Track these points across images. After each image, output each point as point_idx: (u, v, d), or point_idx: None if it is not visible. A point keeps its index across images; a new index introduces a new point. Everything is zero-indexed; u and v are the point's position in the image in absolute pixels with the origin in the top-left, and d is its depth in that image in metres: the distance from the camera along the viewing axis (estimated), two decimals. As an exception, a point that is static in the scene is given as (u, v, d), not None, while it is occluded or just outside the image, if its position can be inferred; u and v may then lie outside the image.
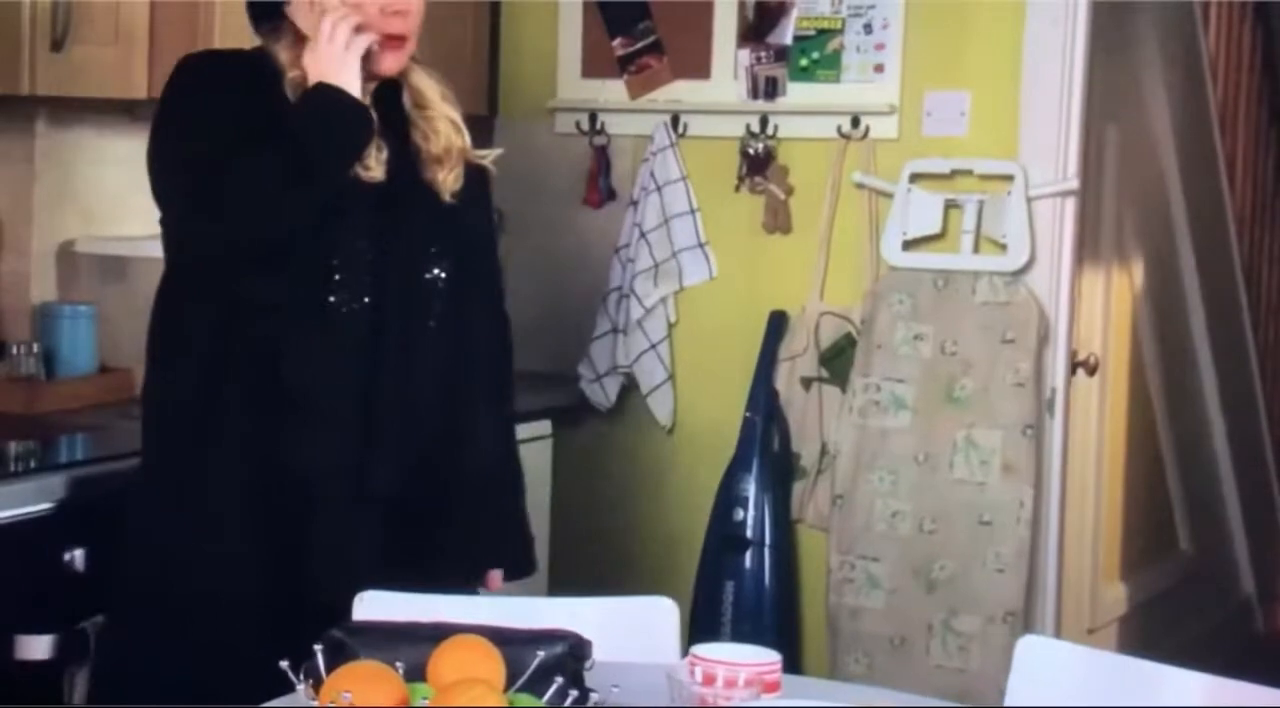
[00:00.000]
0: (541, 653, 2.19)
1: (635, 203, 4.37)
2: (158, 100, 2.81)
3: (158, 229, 2.77)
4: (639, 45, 4.43)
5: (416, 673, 2.09)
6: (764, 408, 4.27)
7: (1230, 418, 5.93)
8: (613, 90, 4.46)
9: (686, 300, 4.40)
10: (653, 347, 4.36)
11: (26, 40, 3.26)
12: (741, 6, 4.33)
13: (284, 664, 2.10)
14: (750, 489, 4.24)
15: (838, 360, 4.27)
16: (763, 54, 4.33)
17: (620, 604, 2.65)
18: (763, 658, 2.22)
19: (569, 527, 4.37)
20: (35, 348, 3.59)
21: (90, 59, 3.37)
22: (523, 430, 4.05)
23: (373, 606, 2.53)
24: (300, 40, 2.75)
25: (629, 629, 2.55)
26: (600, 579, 4.40)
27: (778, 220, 4.33)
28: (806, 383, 4.29)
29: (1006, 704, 2.38)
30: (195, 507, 2.76)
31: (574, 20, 4.49)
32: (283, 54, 2.78)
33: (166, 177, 2.73)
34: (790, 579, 4.30)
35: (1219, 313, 5.77)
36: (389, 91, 2.81)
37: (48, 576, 3.02)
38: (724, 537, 4.26)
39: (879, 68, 4.25)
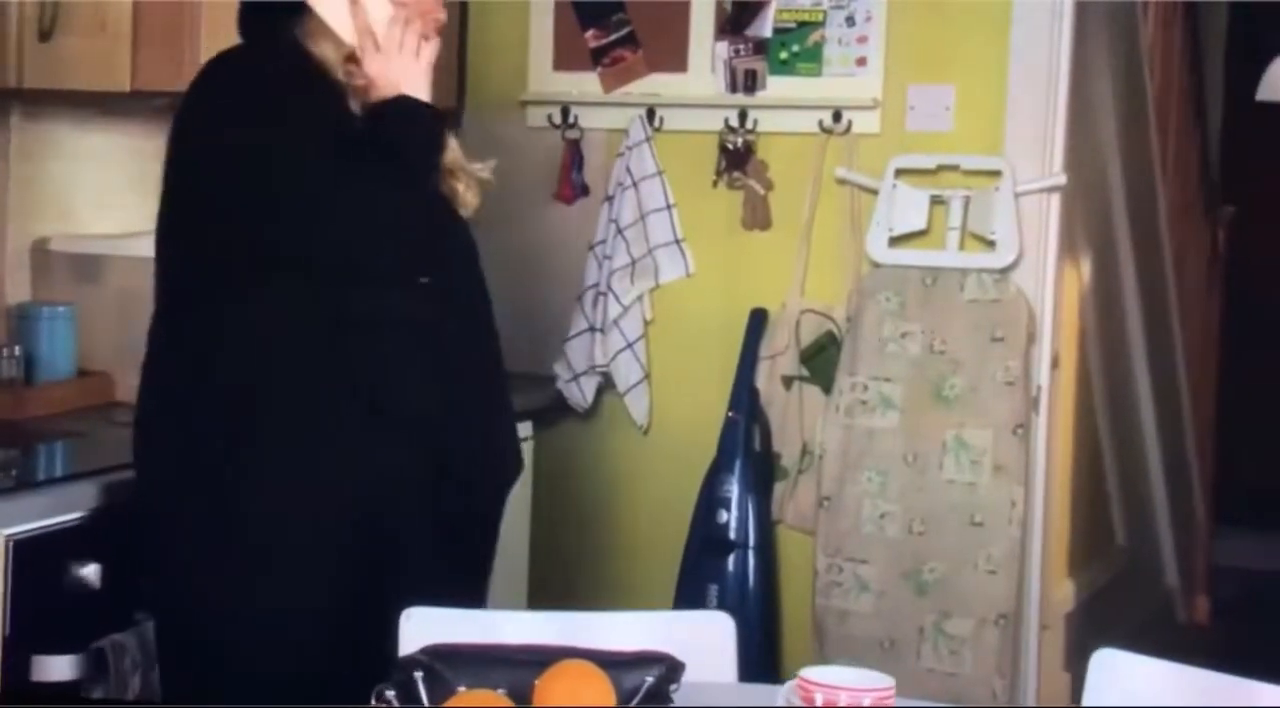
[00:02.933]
0: (650, 678, 2.11)
1: (611, 198, 4.26)
2: (204, 121, 2.67)
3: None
4: (612, 38, 4.33)
5: (519, 699, 2.00)
6: (747, 407, 4.18)
7: (1159, 412, 5.96)
8: (586, 83, 4.36)
9: (663, 298, 4.30)
10: (629, 345, 4.26)
11: (14, 31, 3.08)
12: (719, -2, 4.26)
13: (388, 694, 2.01)
14: (734, 490, 4.16)
15: (818, 359, 4.20)
16: (741, 47, 4.25)
17: (675, 619, 2.57)
18: (876, 683, 2.12)
19: (549, 529, 4.27)
20: (16, 350, 3.40)
21: (76, 51, 3.20)
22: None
23: (421, 623, 2.41)
24: (335, 38, 2.68)
25: (684, 646, 2.45)
26: (581, 583, 4.32)
27: (757, 216, 4.25)
28: (787, 382, 4.22)
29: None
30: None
31: (545, 12, 4.38)
32: (328, 52, 2.70)
33: (284, 210, 2.62)
34: (774, 582, 4.22)
35: (1152, 308, 5.79)
36: None
37: (64, 592, 2.85)
38: (706, 539, 4.17)
39: (861, 61, 4.19)
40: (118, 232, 3.62)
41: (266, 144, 2.59)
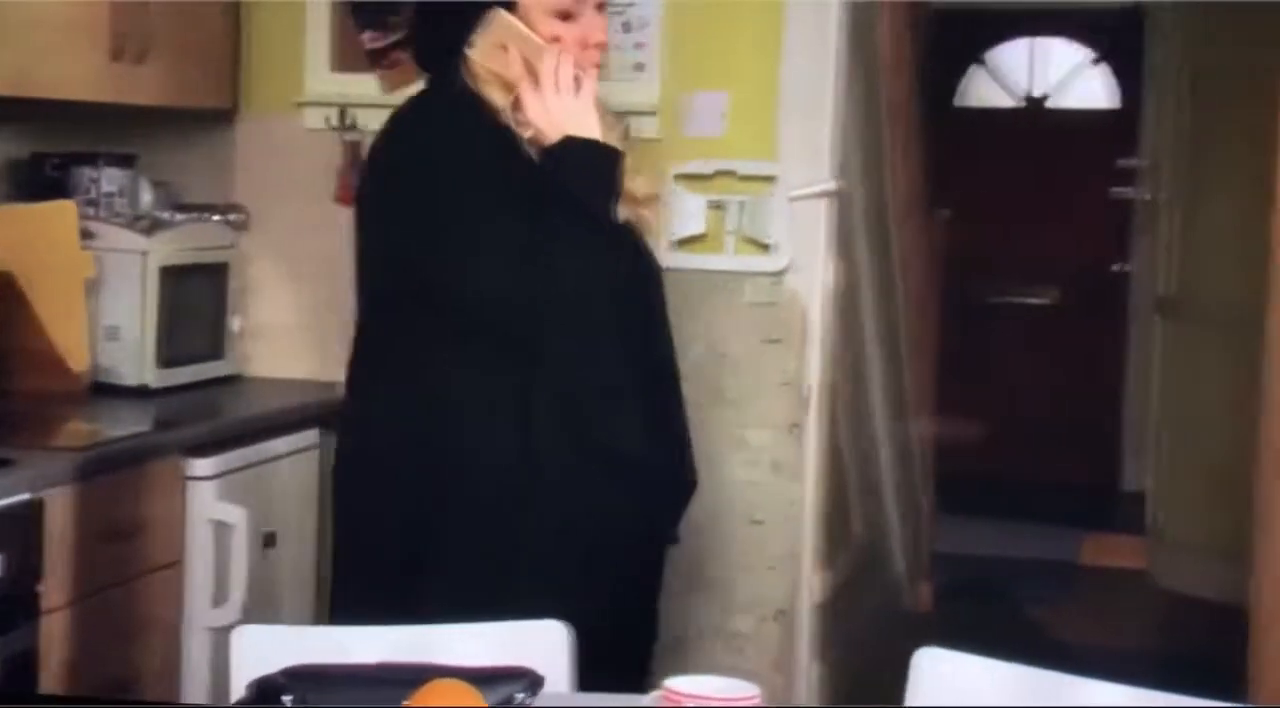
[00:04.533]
0: (517, 693, 2.13)
1: (391, 201, 4.22)
2: (390, 179, 2.68)
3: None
4: (390, 39, 4.29)
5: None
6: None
7: (889, 406, 6.15)
8: (365, 85, 4.30)
9: (445, 302, 4.28)
10: (412, 350, 4.22)
11: None
12: (496, 2, 4.25)
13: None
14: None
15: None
16: (519, 50, 4.25)
17: (512, 629, 2.55)
18: (740, 692, 2.11)
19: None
20: None
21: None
22: (289, 441, 3.93)
23: (254, 641, 2.34)
24: (503, 81, 2.60)
25: (518, 656, 2.45)
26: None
27: (537, 220, 4.26)
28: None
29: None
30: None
31: (321, 12, 4.32)
32: (495, 96, 2.65)
33: (453, 270, 2.60)
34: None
35: (883, 305, 5.98)
36: None
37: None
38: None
39: (639, 67, 4.23)
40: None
41: (441, 213, 2.59)
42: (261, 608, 3.70)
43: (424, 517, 2.67)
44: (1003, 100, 8.81)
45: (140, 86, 3.91)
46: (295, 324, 4.33)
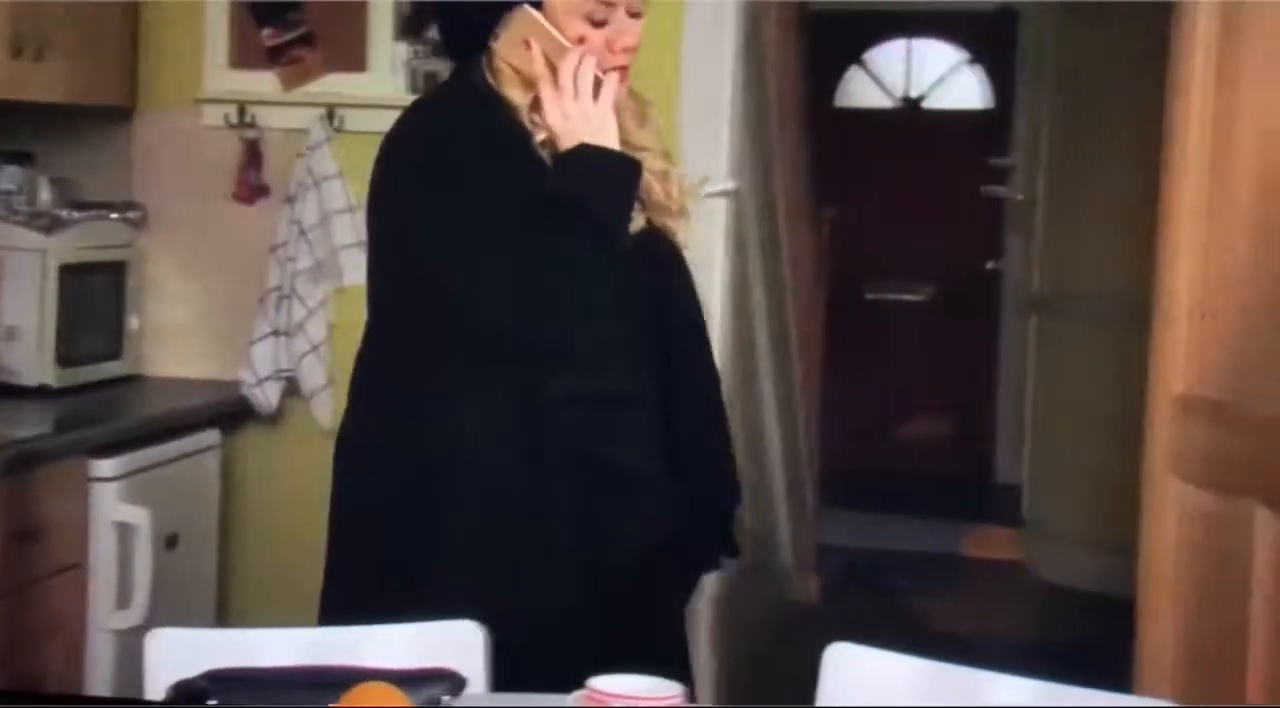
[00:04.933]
0: (442, 694, 2.14)
1: (292, 199, 4.21)
2: (395, 178, 2.53)
3: None
4: (290, 36, 4.27)
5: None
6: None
7: (779, 402, 6.20)
8: (264, 82, 4.28)
9: (347, 301, 4.26)
10: (314, 349, 4.21)
11: None
12: (397, -1, 4.25)
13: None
14: (423, 493, 4.15)
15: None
16: (421, 48, 4.25)
17: (424, 629, 2.54)
18: (664, 690, 2.11)
19: (237, 539, 4.19)
20: None
21: None
22: (191, 442, 3.91)
23: (168, 644, 2.29)
24: (524, 78, 2.50)
25: (433, 657, 2.45)
26: (272, 593, 4.25)
27: (439, 218, 4.26)
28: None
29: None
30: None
31: (220, 9, 4.29)
32: (514, 94, 2.52)
33: (451, 276, 2.48)
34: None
35: (773, 303, 6.03)
36: None
37: None
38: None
39: (540, 66, 4.24)
40: None
41: (442, 216, 2.47)
42: (164, 609, 3.67)
43: (418, 523, 2.59)
44: (881, 101, 8.90)
45: (38, 84, 3.87)
46: (193, 324, 4.31)
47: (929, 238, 8.51)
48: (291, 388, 4.25)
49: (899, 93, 8.90)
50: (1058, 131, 7.13)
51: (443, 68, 4.19)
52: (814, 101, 7.66)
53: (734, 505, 2.78)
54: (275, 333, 4.19)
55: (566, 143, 2.46)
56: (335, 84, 4.28)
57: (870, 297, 8.59)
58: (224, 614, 4.16)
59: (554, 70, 2.48)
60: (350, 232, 4.23)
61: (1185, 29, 3.05)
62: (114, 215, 4.21)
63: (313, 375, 4.22)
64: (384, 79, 4.26)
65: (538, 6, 2.50)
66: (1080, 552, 6.45)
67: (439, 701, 2.14)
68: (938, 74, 8.86)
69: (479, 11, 2.55)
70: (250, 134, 4.28)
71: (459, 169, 2.47)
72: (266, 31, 4.27)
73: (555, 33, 2.47)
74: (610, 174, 2.47)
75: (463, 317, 2.51)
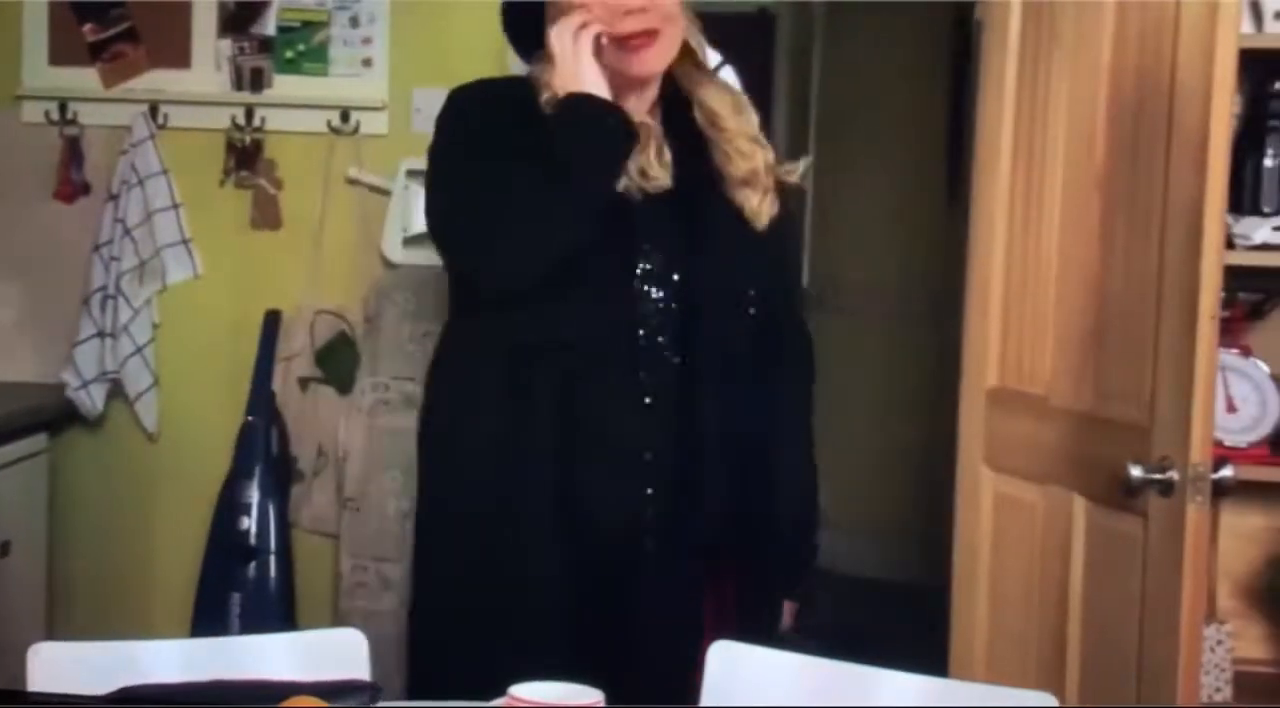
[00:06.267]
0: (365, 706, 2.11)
1: (115, 197, 4.11)
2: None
3: None
4: (111, 32, 4.18)
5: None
6: (265, 411, 4.13)
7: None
8: (85, 78, 4.18)
9: (171, 301, 4.19)
10: (139, 350, 4.13)
11: None
12: (221, -7, 4.17)
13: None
14: (254, 496, 4.09)
15: (332, 360, 4.19)
16: (246, 44, 4.18)
17: (309, 639, 2.51)
18: (583, 698, 2.06)
19: (64, 544, 4.10)
20: None
21: None
22: (18, 447, 3.83)
23: (50, 659, 2.23)
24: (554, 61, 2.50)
25: (321, 664, 2.42)
26: (100, 598, 4.18)
27: (266, 216, 4.20)
28: (303, 383, 4.19)
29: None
30: (502, 549, 2.51)
31: (39, 4, 4.17)
32: (542, 76, 2.51)
33: (444, 221, 2.49)
34: (294, 587, 4.19)
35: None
36: (679, 110, 2.58)
37: None
38: (227, 547, 4.09)
39: (367, 62, 4.20)
40: None
41: (438, 177, 2.52)
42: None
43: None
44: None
45: None
46: (15, 325, 4.20)
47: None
48: (116, 390, 4.16)
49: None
50: (816, 130, 7.14)
51: (268, 64, 4.17)
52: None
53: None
54: (100, 334, 4.10)
55: (559, 92, 2.48)
56: (158, 80, 4.18)
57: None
58: (52, 621, 4.07)
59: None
60: (174, 230, 4.16)
61: (996, 28, 3.09)
62: (-70, 215, 4.10)
63: (138, 378, 4.14)
64: (208, 75, 4.18)
65: None
66: (870, 543, 6.48)
67: (365, 711, 2.10)
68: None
69: (524, 11, 2.59)
70: (71, 131, 4.18)
71: (465, 126, 2.53)
72: (87, 27, 4.17)
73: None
74: (588, 115, 2.44)
75: (444, 254, 2.55)
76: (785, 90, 7.48)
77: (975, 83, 4.27)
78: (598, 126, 2.45)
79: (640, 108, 2.55)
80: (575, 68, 2.45)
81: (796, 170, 2.66)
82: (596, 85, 2.45)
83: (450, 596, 2.61)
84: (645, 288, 2.51)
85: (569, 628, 2.50)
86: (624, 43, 2.49)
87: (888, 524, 6.32)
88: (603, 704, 2.06)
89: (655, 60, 2.53)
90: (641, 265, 2.50)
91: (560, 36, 2.47)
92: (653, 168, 2.52)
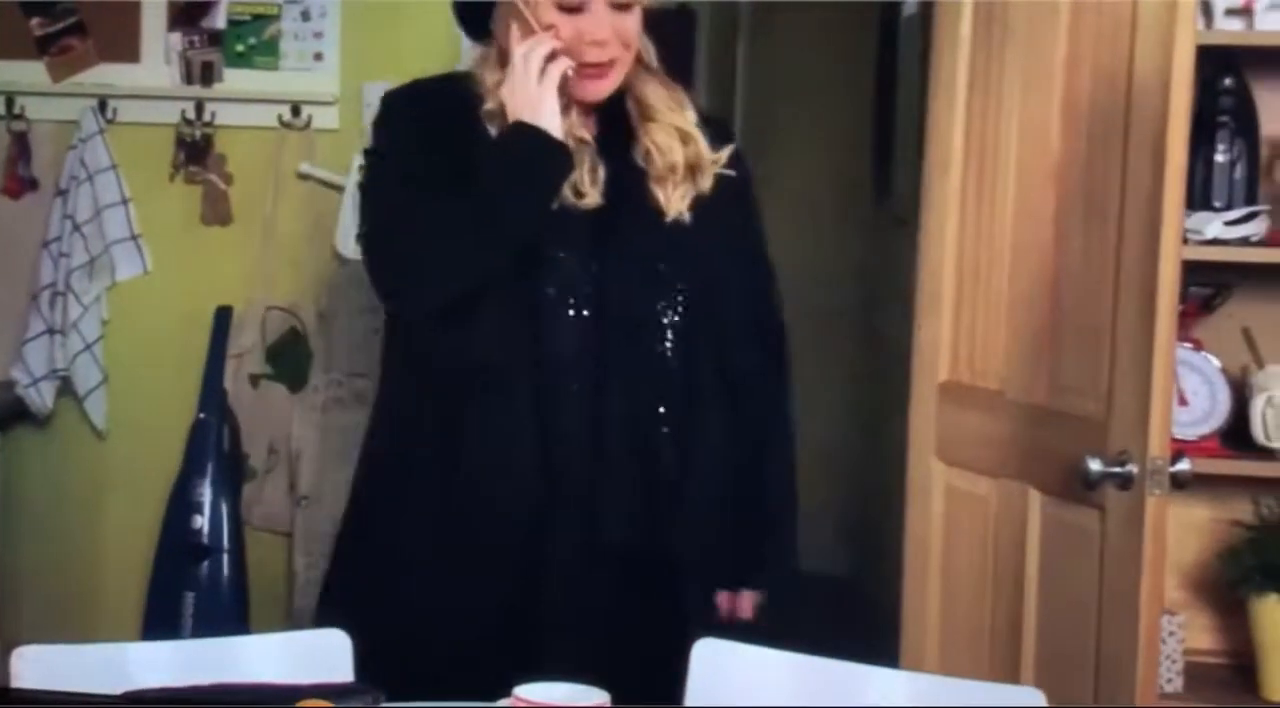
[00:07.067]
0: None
1: (64, 192, 4.09)
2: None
3: None
4: (59, 25, 4.14)
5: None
6: (217, 408, 4.10)
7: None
8: (32, 72, 4.14)
9: (120, 297, 4.17)
10: (88, 347, 4.10)
11: None
12: (171, -13, 4.15)
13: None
14: (206, 494, 4.06)
15: (284, 357, 4.18)
16: (196, 38, 4.16)
17: (291, 640, 2.49)
18: (590, 698, 2.06)
19: (12, 544, 4.06)
20: None
21: None
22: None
23: (36, 662, 2.15)
24: (504, 62, 2.48)
25: (307, 665, 2.40)
26: (48, 598, 4.15)
27: (217, 211, 4.18)
28: (254, 380, 4.17)
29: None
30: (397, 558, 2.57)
31: (-15, -4, 4.14)
32: (488, 76, 2.50)
33: (365, 245, 2.50)
34: (247, 586, 4.16)
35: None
36: (612, 105, 2.55)
37: None
38: (179, 546, 4.06)
39: (319, 56, 4.18)
40: None
41: (367, 187, 2.53)
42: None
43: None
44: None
45: None
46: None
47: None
48: (66, 387, 4.13)
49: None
50: (744, 128, 7.13)
51: (218, 58, 4.15)
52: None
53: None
54: (50, 331, 4.07)
55: (510, 118, 2.46)
56: (107, 74, 4.15)
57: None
58: (0, 620, 4.04)
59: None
60: (124, 225, 4.13)
61: (947, 26, 3.10)
62: (-125, 211, 4.05)
63: (87, 375, 4.11)
64: (157, 69, 4.16)
65: None
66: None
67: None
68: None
69: None
70: (18, 126, 4.15)
71: (395, 132, 2.52)
72: (35, 20, 4.14)
73: (529, 17, 2.48)
74: (536, 155, 2.43)
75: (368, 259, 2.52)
76: (708, 87, 7.49)
77: (900, 80, 4.27)
78: (542, 165, 2.44)
79: (581, 119, 2.54)
80: (536, 98, 2.43)
81: (721, 157, 2.62)
82: (551, 120, 2.44)
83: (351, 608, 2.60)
84: (557, 296, 2.48)
85: (478, 644, 2.49)
86: (580, 69, 2.49)
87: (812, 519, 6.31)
88: (609, 705, 2.06)
89: (607, 88, 2.54)
90: (553, 274, 2.48)
91: (527, 60, 2.45)
92: (584, 185, 2.51)
